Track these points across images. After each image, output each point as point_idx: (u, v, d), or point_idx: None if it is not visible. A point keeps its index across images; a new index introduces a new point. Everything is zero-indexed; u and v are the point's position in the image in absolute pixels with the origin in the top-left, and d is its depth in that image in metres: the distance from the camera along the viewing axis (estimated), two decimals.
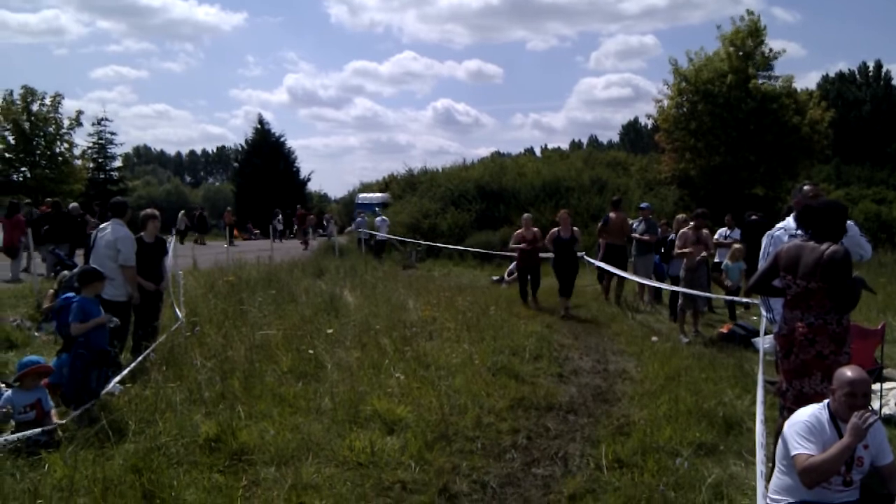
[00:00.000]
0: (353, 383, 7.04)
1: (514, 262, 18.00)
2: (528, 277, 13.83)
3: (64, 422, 5.88)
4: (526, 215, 14.51)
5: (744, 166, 28.85)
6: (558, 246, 12.95)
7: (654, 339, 10.52)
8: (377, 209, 30.31)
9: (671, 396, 7.03)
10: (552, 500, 4.94)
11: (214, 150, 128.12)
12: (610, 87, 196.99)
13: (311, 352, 8.28)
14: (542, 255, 14.04)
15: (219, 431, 5.71)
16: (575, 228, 13.27)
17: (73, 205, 18.66)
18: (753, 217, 13.77)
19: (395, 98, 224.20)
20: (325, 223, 34.46)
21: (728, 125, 28.44)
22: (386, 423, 6.14)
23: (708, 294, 11.16)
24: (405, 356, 8.27)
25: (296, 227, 35.52)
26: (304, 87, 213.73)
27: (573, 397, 7.53)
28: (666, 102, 30.75)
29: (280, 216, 35.08)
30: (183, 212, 34.97)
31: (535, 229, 13.98)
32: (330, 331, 9.37)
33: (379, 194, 33.85)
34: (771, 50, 30.05)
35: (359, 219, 26.67)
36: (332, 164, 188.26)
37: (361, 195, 35.32)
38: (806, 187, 6.28)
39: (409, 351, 8.50)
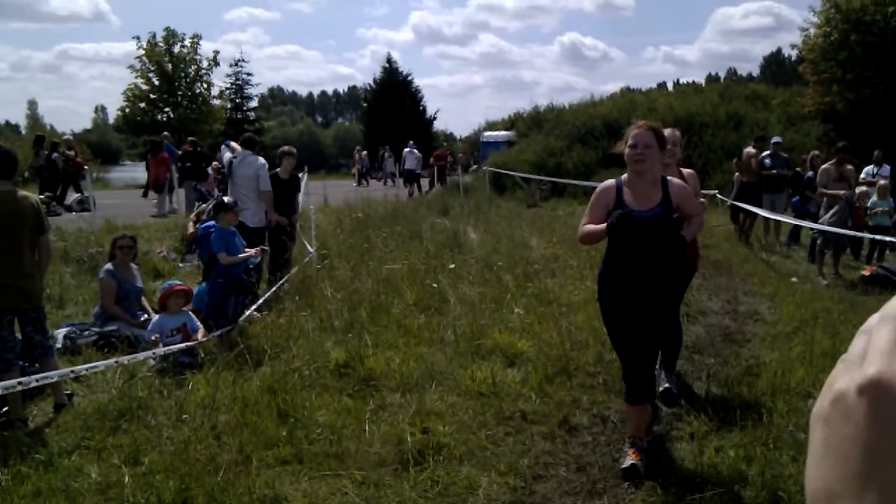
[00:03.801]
0: (475, 317, 7.14)
1: None
2: None
3: (200, 340, 6.32)
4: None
5: None
6: (619, 228, 4.17)
7: (794, 280, 10.04)
8: (501, 147, 30.07)
9: (806, 338, 6.72)
10: (675, 437, 4.88)
11: (345, 91, 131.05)
12: (749, 16, 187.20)
13: (434, 286, 8.43)
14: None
15: (348, 358, 5.98)
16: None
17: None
18: None
19: (521, 33, 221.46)
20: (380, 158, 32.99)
21: (883, 56, 26.24)
22: (507, 356, 6.22)
23: (849, 232, 10.50)
24: (527, 292, 8.29)
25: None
26: (429, 24, 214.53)
27: (700, 337, 7.34)
28: (812, 31, 28.59)
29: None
30: (360, 149, 34.68)
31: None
32: (453, 266, 9.51)
33: (504, 132, 33.47)
34: None
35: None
36: (458, 103, 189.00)
37: (487, 133, 35.03)
38: None
39: (531, 287, 8.51)
